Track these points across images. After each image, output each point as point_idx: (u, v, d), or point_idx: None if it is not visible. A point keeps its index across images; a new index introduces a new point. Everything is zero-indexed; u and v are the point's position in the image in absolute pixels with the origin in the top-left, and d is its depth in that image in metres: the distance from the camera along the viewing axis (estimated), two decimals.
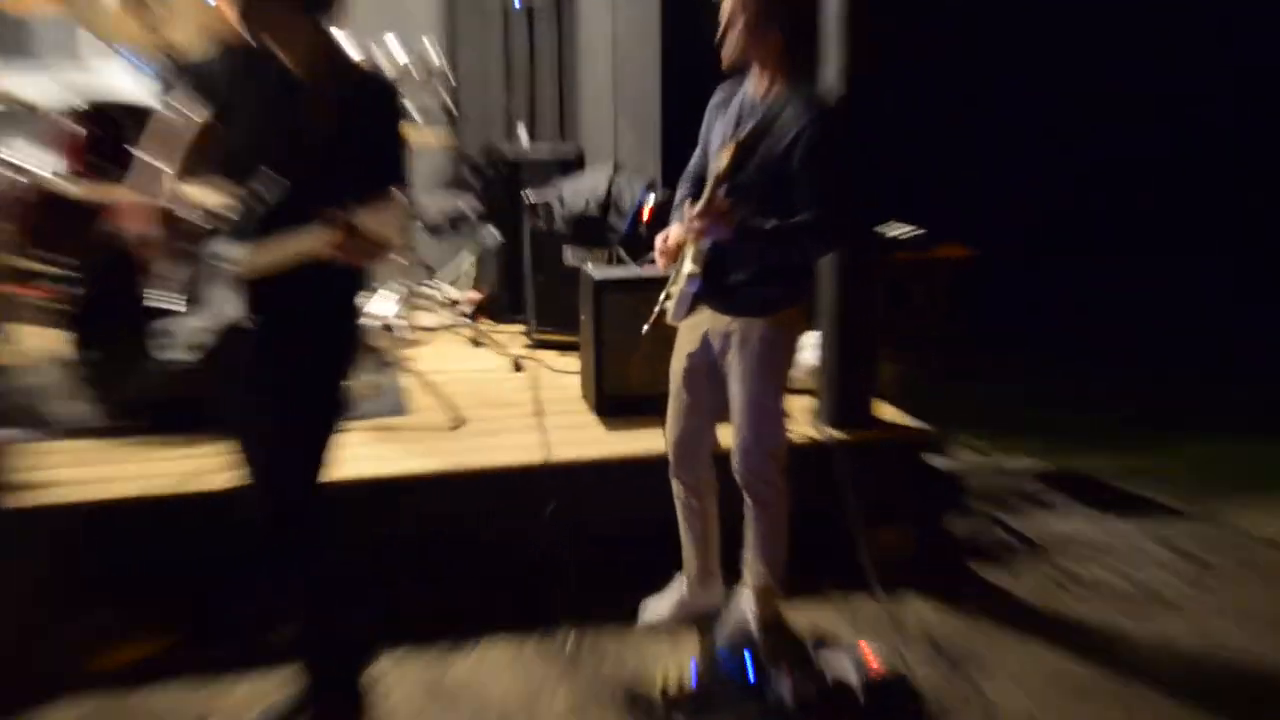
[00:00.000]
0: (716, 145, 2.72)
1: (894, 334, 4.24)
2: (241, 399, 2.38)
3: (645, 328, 2.92)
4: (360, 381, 3.69)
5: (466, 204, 1.83)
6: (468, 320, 4.62)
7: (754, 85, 2.69)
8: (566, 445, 3.49)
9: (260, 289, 2.23)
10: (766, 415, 2.81)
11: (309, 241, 2.12)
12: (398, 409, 3.84)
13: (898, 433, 3.67)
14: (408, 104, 4.10)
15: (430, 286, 4.77)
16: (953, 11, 5.44)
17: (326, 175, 2.19)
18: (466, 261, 5.51)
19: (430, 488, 3.32)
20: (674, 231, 2.78)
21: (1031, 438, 4.65)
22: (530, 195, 4.60)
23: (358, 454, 3.41)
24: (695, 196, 2.80)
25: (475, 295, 5.22)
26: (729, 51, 2.64)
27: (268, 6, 2.21)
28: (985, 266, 4.44)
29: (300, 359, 2.32)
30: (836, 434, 3.58)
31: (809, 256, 3.00)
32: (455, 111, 4.41)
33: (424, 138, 4.55)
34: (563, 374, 4.28)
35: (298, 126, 2.21)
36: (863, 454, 3.52)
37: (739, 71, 2.73)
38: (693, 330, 2.85)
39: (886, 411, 3.82)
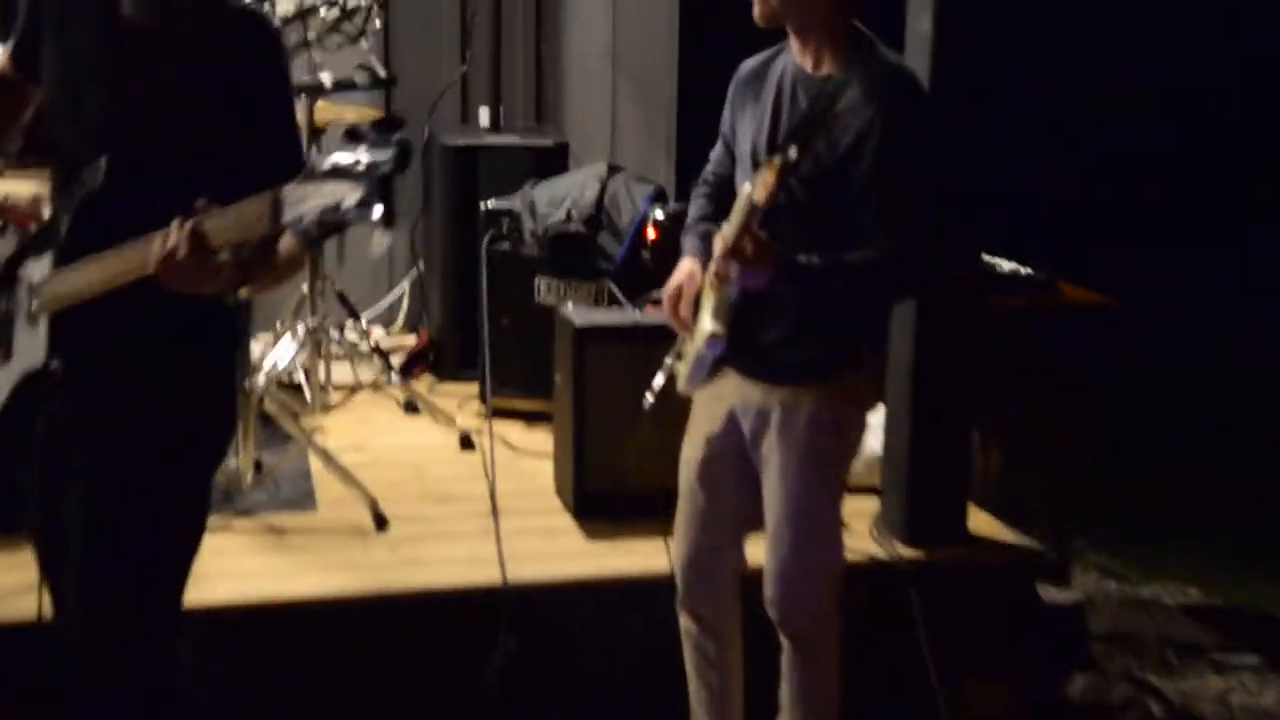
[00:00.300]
0: (747, 141, 2.79)
1: (1003, 413, 4.28)
2: (48, 484, 2.37)
3: (647, 401, 2.97)
4: (242, 461, 3.80)
5: (346, 191, 1.78)
6: (399, 377, 4.69)
7: (798, 55, 2.74)
8: (530, 560, 3.53)
9: (77, 326, 2.23)
10: (817, 526, 2.84)
11: (136, 256, 2.09)
12: (300, 502, 3.91)
13: (997, 552, 3.72)
14: (318, 61, 4.24)
15: (350, 328, 4.85)
16: None
17: (178, 158, 2.22)
18: (402, 292, 5.61)
19: (341, 617, 3.36)
20: (686, 273, 2.82)
21: (1183, 549, 4.68)
22: (490, 202, 4.69)
23: (239, 566, 3.47)
24: (715, 214, 2.86)
25: (410, 341, 5.30)
26: (768, 5, 2.68)
27: None
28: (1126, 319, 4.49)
29: (136, 427, 2.30)
30: (910, 552, 3.62)
31: (883, 302, 3.02)
32: (384, 73, 4.49)
33: (334, 111, 4.63)
34: (529, 456, 4.33)
35: (135, 86, 2.25)
36: (947, 581, 3.55)
37: (777, 34, 2.78)
38: (713, 405, 2.89)
39: (981, 521, 3.85)
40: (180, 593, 2.41)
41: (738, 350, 2.73)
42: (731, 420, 2.86)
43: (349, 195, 1.87)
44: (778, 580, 2.85)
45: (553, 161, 5.12)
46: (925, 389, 3.65)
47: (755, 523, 2.92)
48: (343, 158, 1.89)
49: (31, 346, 2.26)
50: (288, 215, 1.93)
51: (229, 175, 2.15)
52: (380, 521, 3.76)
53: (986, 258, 4.27)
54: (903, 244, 2.63)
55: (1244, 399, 6.38)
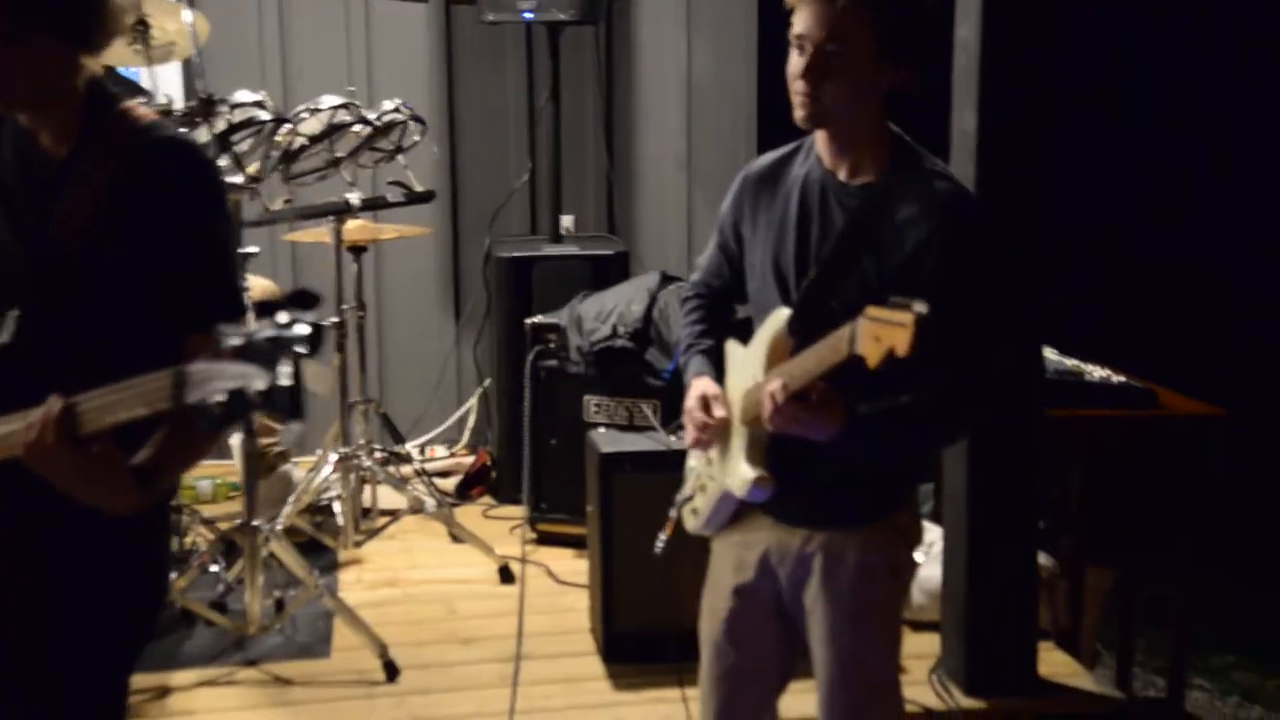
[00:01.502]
0: (764, 254, 2.34)
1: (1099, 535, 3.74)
2: None
3: (659, 543, 2.59)
4: (250, 606, 3.45)
5: (254, 374, 1.44)
6: (442, 503, 4.30)
7: (830, 161, 2.29)
8: (545, 715, 3.17)
9: None
10: (874, 686, 2.40)
11: (13, 434, 1.77)
12: (315, 646, 3.56)
13: (1074, 702, 3.22)
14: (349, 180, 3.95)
15: (394, 451, 4.50)
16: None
17: (93, 307, 1.91)
18: (468, 409, 5.27)
19: None
20: (711, 394, 2.35)
21: None
22: (536, 317, 4.32)
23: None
24: (715, 331, 2.46)
25: (469, 461, 4.94)
26: (819, 105, 2.17)
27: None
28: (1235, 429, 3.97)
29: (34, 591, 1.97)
30: (970, 703, 3.15)
31: (949, 439, 2.68)
32: (419, 188, 4.17)
33: (373, 231, 4.35)
34: (572, 587, 3.92)
35: (48, 226, 1.93)
36: None
37: (799, 132, 2.33)
38: (741, 551, 2.43)
39: (1058, 663, 3.34)
40: None
41: (774, 492, 2.27)
42: (765, 569, 2.39)
43: (256, 379, 1.50)
44: None
45: (611, 271, 4.75)
46: (982, 518, 3.16)
47: (788, 678, 2.48)
48: (254, 334, 1.53)
49: None
50: (191, 395, 1.55)
51: (149, 325, 1.87)
52: (391, 671, 3.37)
53: (1076, 364, 3.76)
54: (984, 364, 2.21)
55: None
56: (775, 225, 2.32)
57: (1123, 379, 3.76)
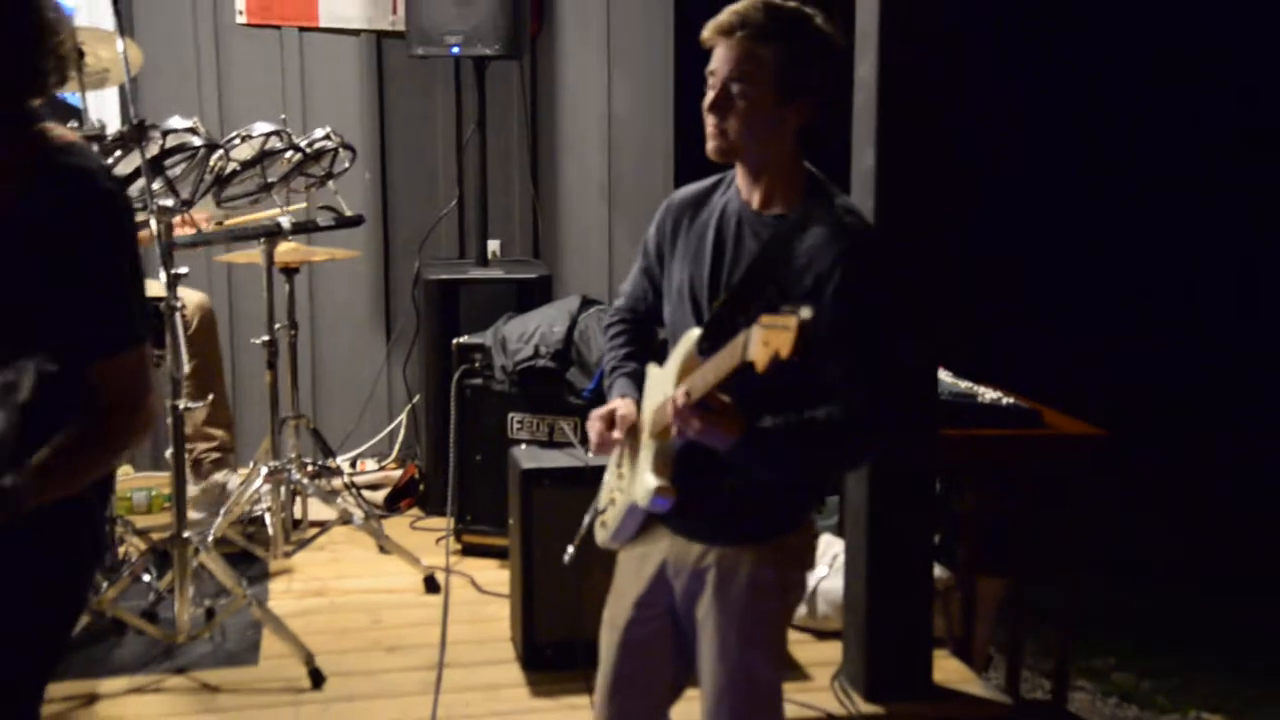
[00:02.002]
0: (681, 278, 2.38)
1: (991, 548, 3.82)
2: None
3: (568, 554, 2.63)
4: (179, 614, 3.41)
5: None
6: (367, 515, 4.29)
7: (745, 191, 2.35)
8: None
9: None
10: (758, 695, 2.42)
11: None
12: (243, 655, 3.53)
13: (966, 707, 3.26)
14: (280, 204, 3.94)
15: (324, 464, 4.49)
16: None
17: None
18: (398, 424, 5.26)
19: None
20: (622, 412, 2.40)
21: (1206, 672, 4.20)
22: (462, 338, 4.33)
23: None
24: (640, 353, 2.49)
25: (398, 474, 4.93)
26: (726, 138, 2.26)
27: None
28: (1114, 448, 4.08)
29: None
30: (869, 708, 3.19)
31: (850, 463, 2.73)
32: (349, 212, 4.16)
33: (305, 253, 4.34)
34: (494, 597, 3.93)
35: None
36: None
37: (712, 165, 2.40)
38: (640, 564, 2.46)
39: (951, 669, 3.39)
40: None
41: (673, 507, 2.28)
42: (660, 580, 2.42)
43: None
44: None
45: (534, 294, 4.78)
46: (881, 528, 3.21)
47: (681, 688, 2.51)
48: None
49: None
50: None
51: (40, 349, 1.87)
52: (317, 678, 3.35)
53: (968, 386, 3.84)
54: (876, 394, 2.22)
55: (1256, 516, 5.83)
56: (692, 251, 2.38)
57: (1012, 400, 3.85)
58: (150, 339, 2.03)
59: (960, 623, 3.66)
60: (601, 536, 2.51)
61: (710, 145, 2.28)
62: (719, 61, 2.24)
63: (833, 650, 3.46)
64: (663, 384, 2.29)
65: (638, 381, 2.44)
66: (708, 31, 2.26)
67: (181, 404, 3.36)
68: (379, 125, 5.33)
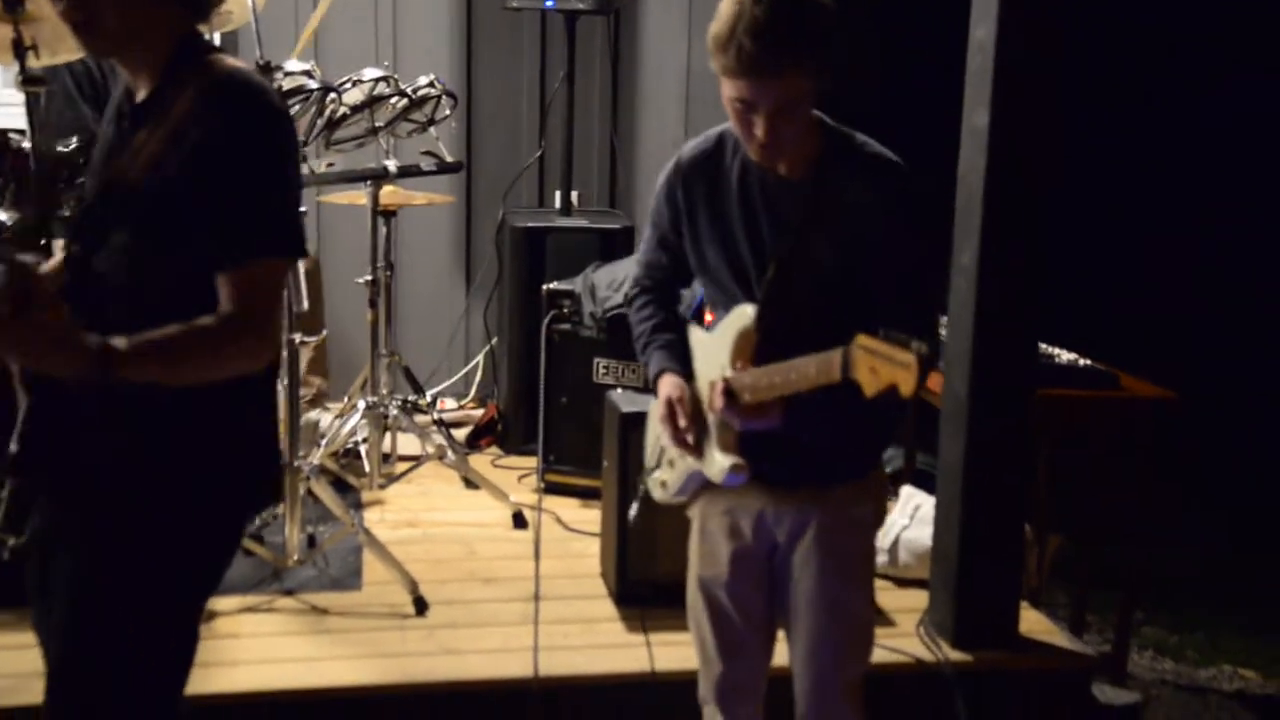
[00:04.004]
0: (714, 252, 2.24)
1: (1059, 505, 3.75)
2: (37, 567, 2.01)
3: (633, 513, 2.56)
4: (290, 539, 3.38)
5: None
6: (459, 452, 4.23)
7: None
8: (566, 652, 3.11)
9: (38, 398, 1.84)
10: (859, 632, 2.38)
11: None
12: (347, 580, 3.49)
13: (1050, 656, 3.20)
14: (386, 148, 3.86)
15: (415, 402, 4.42)
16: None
17: (143, 236, 1.85)
18: (475, 365, 5.20)
19: (368, 707, 2.95)
20: (677, 393, 2.22)
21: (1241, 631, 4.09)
22: (551, 284, 4.25)
23: (273, 651, 3.08)
24: (673, 323, 2.36)
25: (478, 414, 4.87)
26: (781, 147, 2.09)
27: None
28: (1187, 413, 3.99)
29: (107, 506, 1.89)
30: (958, 655, 3.13)
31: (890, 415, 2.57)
32: (450, 158, 4.06)
33: (405, 196, 4.26)
34: (580, 534, 3.87)
35: (118, 163, 1.88)
36: (997, 687, 3.08)
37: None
38: (732, 518, 2.34)
39: (1033, 621, 3.34)
40: (171, 691, 2.00)
41: (756, 460, 2.18)
42: (761, 530, 2.32)
43: None
44: (815, 693, 2.35)
45: (618, 244, 4.69)
46: (976, 486, 3.14)
47: (774, 641, 2.44)
48: None
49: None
50: None
51: (192, 254, 1.82)
52: (420, 605, 3.31)
53: (1044, 348, 3.75)
54: (927, 329, 2.14)
55: None
56: (720, 222, 2.22)
57: (1088, 362, 3.77)
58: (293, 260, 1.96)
59: (1036, 576, 3.60)
60: (660, 495, 2.41)
61: (758, 156, 2.12)
62: (756, 95, 2.02)
63: (914, 598, 3.42)
64: (716, 356, 2.17)
65: (675, 351, 2.31)
66: (730, 71, 2.03)
67: (298, 338, 3.30)
68: (466, 75, 5.22)
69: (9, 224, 2.89)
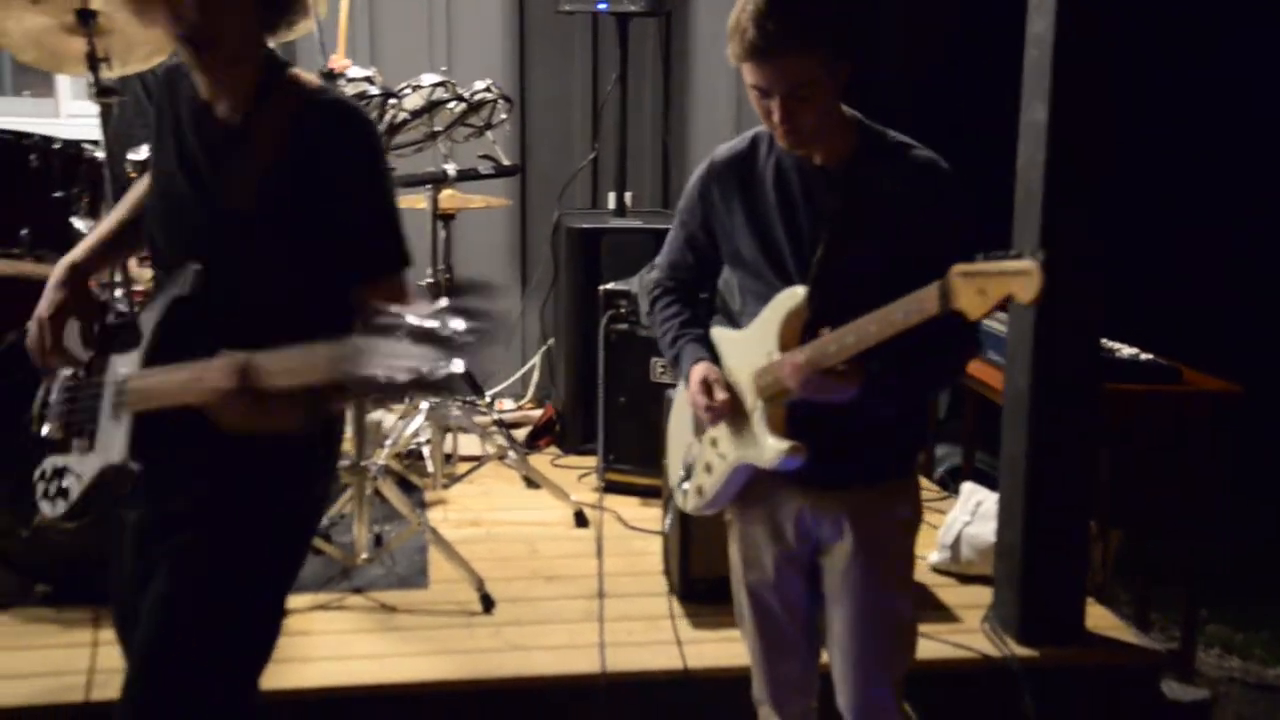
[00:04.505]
0: (747, 243, 2.24)
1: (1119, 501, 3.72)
2: (135, 575, 2.06)
3: (666, 524, 2.64)
4: (358, 537, 3.43)
5: (433, 356, 1.45)
6: (520, 451, 4.27)
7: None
8: (631, 649, 3.12)
9: (158, 430, 1.90)
10: (902, 631, 2.37)
11: (195, 380, 1.77)
12: (413, 578, 3.53)
13: (1117, 652, 3.18)
14: (445, 152, 3.90)
15: (475, 403, 4.47)
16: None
17: (270, 260, 1.90)
18: (532, 365, 5.24)
19: (437, 704, 2.98)
20: (714, 376, 2.24)
21: None
22: (608, 284, 4.28)
23: (343, 648, 3.13)
24: (696, 314, 2.38)
25: (537, 414, 4.90)
26: (801, 134, 2.12)
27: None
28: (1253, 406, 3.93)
29: (215, 525, 1.97)
30: (1024, 651, 3.11)
31: (950, 383, 2.72)
32: (507, 161, 4.10)
33: (462, 199, 4.30)
34: (641, 533, 3.89)
35: (227, 186, 1.92)
36: (1064, 683, 3.06)
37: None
38: (774, 520, 2.33)
39: (1099, 616, 3.31)
40: (253, 681, 2.06)
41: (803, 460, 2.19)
42: (802, 532, 2.31)
43: (438, 362, 1.48)
44: (859, 690, 2.34)
45: None
46: (1039, 480, 3.12)
47: (819, 640, 2.43)
48: (430, 322, 1.50)
49: (113, 441, 1.93)
50: (361, 369, 1.53)
51: (324, 274, 1.88)
52: (487, 603, 3.34)
53: (1105, 343, 3.73)
54: (960, 325, 2.08)
55: None
56: (756, 215, 2.23)
57: (1149, 357, 3.74)
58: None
59: (1100, 572, 3.57)
60: (694, 504, 2.41)
61: (785, 142, 2.15)
62: (769, 79, 2.05)
63: (977, 594, 3.41)
64: (758, 344, 2.18)
65: (707, 345, 2.32)
66: (739, 56, 2.06)
67: None
68: (519, 78, 5.26)
69: (86, 231, 2.96)
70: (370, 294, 1.87)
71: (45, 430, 2.04)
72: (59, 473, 2.00)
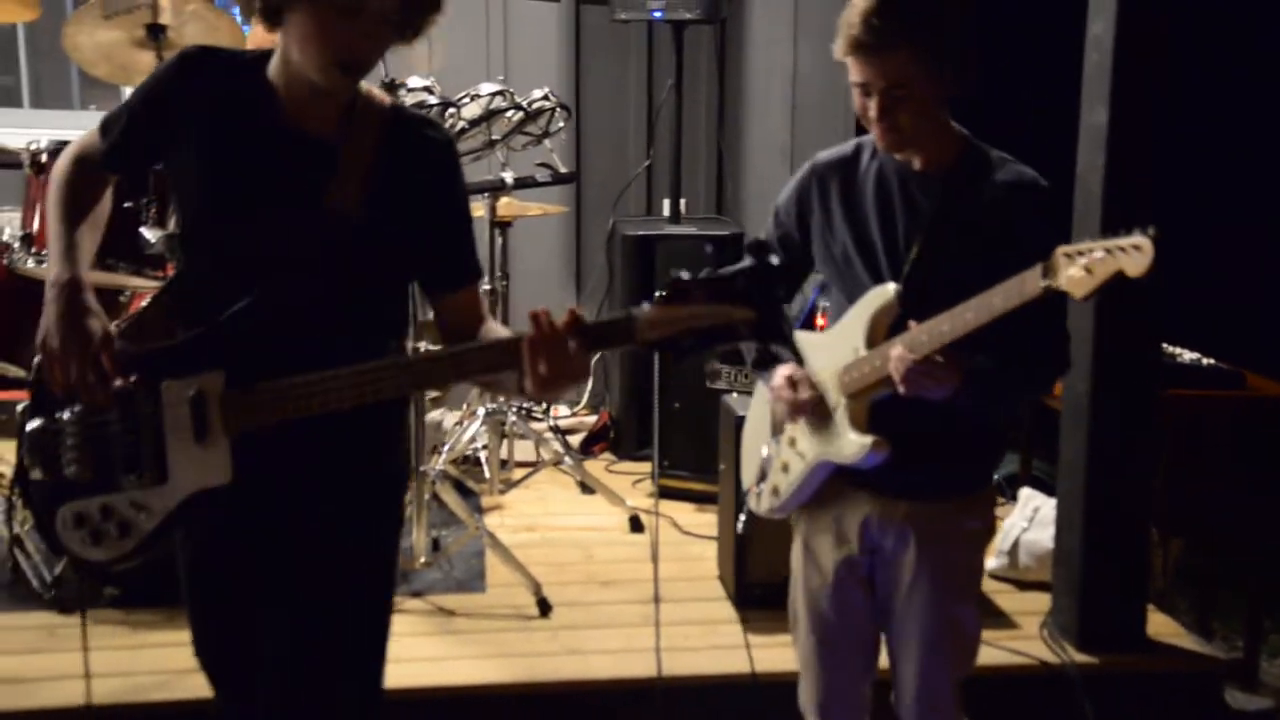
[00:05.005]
0: (840, 242, 2.26)
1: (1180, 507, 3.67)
2: (227, 598, 2.11)
3: (740, 524, 2.67)
4: (416, 542, 3.47)
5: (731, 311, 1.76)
6: (575, 457, 4.30)
7: (904, 155, 2.23)
8: (687, 653, 3.13)
9: (264, 446, 1.91)
10: (967, 646, 2.36)
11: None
12: (471, 583, 3.56)
13: (1178, 659, 3.15)
14: (503, 160, 3.94)
15: (531, 410, 4.51)
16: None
17: (356, 274, 1.93)
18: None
19: (494, 707, 3.01)
20: (797, 374, 2.24)
21: None
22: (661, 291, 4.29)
23: (402, 651, 3.08)
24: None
25: (592, 420, 4.93)
26: (901, 134, 2.15)
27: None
28: None
29: (321, 535, 2.02)
30: (1084, 658, 3.09)
31: (1037, 396, 2.68)
32: (564, 169, 4.13)
33: (519, 207, 4.33)
34: (696, 538, 3.90)
35: (312, 199, 1.91)
36: (1125, 690, 3.03)
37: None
38: (840, 524, 2.33)
39: (1159, 623, 3.28)
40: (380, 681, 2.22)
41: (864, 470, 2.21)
42: (866, 539, 2.31)
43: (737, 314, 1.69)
44: (921, 704, 2.33)
45: (726, 251, 4.69)
46: (1098, 486, 3.10)
47: (877, 653, 2.42)
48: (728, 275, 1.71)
49: (206, 465, 1.89)
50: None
51: (400, 283, 2.04)
52: (544, 607, 3.37)
53: (1166, 348, 3.68)
54: (1062, 332, 2.19)
55: None
56: (853, 214, 2.26)
57: (1211, 362, 3.69)
58: None
59: (1162, 578, 3.53)
60: (767, 505, 2.42)
61: (883, 143, 2.17)
62: (870, 74, 2.10)
63: (1035, 600, 3.39)
64: (843, 342, 2.19)
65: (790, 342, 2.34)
66: (843, 50, 2.12)
67: (422, 345, 3.39)
68: (575, 87, 5.30)
69: (155, 241, 3.02)
70: (457, 302, 2.01)
71: (68, 472, 1.94)
72: (106, 512, 1.94)
